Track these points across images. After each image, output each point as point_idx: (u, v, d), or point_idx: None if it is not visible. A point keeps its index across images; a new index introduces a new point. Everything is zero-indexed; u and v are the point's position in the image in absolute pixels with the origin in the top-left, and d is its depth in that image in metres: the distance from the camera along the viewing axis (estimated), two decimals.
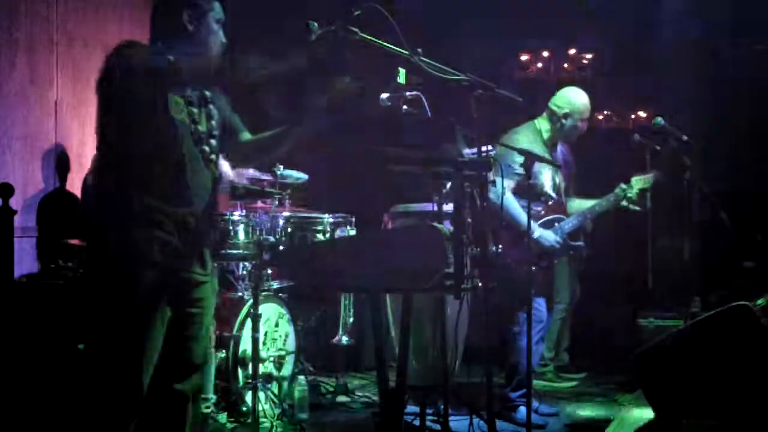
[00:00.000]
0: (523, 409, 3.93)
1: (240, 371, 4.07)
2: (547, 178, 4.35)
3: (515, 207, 4.12)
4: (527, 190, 3.91)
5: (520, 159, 3.74)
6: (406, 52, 2.88)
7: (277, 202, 4.47)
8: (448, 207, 3.25)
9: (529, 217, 3.57)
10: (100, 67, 2.47)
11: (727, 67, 5.97)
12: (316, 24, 2.73)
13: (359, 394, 4.83)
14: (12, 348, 3.51)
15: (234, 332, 4.09)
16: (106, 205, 2.51)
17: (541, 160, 4.04)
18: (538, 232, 4.21)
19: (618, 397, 4.79)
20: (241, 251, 4.17)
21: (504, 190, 3.97)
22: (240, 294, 4.40)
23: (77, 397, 3.37)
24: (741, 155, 5.87)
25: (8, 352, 3.50)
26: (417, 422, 3.87)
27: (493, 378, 3.44)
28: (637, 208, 4.44)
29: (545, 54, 6.97)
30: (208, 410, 3.84)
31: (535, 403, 4.28)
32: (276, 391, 4.14)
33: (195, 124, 2.58)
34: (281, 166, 4.46)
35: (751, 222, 5.17)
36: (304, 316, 4.88)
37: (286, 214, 4.33)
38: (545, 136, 4.38)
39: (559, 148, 4.50)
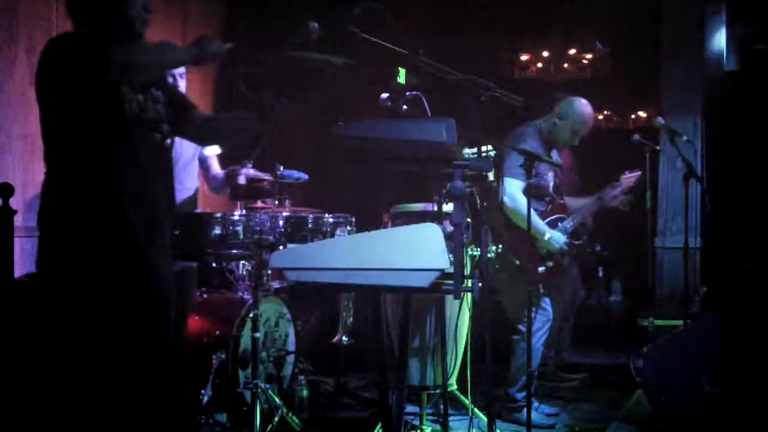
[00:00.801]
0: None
1: (240, 371, 4.07)
2: (549, 177, 4.37)
3: (525, 208, 4.14)
4: (534, 191, 3.95)
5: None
6: (406, 52, 2.88)
7: (277, 202, 4.47)
8: (448, 207, 3.25)
9: (529, 218, 3.57)
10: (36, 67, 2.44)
11: (726, 67, 5.97)
12: (315, 23, 2.73)
13: (359, 394, 4.83)
14: (12, 348, 3.51)
15: (234, 332, 4.08)
16: (64, 203, 2.47)
17: (543, 160, 4.06)
18: (548, 233, 4.24)
19: (618, 398, 4.78)
20: (241, 251, 4.17)
21: (514, 193, 3.99)
22: (240, 294, 4.40)
23: (76, 397, 3.37)
24: (741, 155, 5.87)
25: (8, 352, 3.50)
26: (417, 422, 3.88)
27: (493, 378, 3.43)
28: (627, 208, 4.54)
29: (545, 54, 6.97)
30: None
31: (535, 403, 4.30)
32: (276, 391, 4.14)
33: (143, 112, 2.52)
34: (281, 166, 4.46)
35: (752, 222, 5.17)
36: (304, 316, 4.87)
37: (286, 214, 4.33)
38: (544, 136, 4.40)
39: (554, 152, 4.52)
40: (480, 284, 2.97)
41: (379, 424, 3.61)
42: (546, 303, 4.32)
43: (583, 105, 4.41)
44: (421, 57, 2.93)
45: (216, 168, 4.65)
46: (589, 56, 6.90)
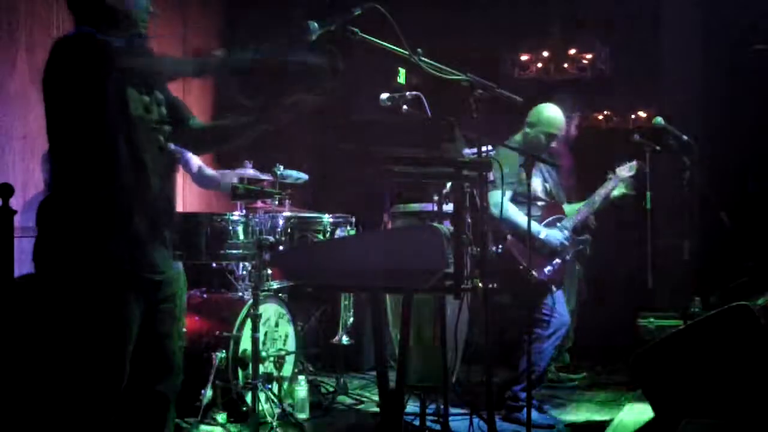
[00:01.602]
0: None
1: (240, 371, 4.07)
2: (537, 182, 4.39)
3: (516, 213, 4.18)
4: (519, 196, 4.02)
5: (512, 166, 3.91)
6: (406, 52, 2.88)
7: (277, 202, 4.47)
8: (448, 207, 3.26)
9: (530, 221, 3.58)
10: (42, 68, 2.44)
11: (727, 67, 5.96)
12: (315, 23, 2.73)
13: (359, 394, 4.83)
14: (12, 348, 3.51)
15: (234, 332, 4.08)
16: (67, 202, 2.46)
17: (542, 160, 4.09)
18: (544, 232, 4.27)
19: (618, 397, 4.79)
20: (241, 251, 4.17)
21: (503, 201, 4.02)
22: (240, 294, 4.40)
23: (75, 397, 3.37)
24: (741, 155, 5.86)
25: (8, 352, 3.50)
26: (417, 422, 3.87)
27: (494, 378, 3.43)
28: (632, 192, 4.59)
29: (545, 54, 6.97)
30: None
31: (535, 402, 4.30)
32: (276, 391, 4.14)
33: (148, 114, 2.52)
34: (281, 166, 4.46)
35: (751, 222, 5.17)
36: (304, 316, 4.88)
37: (286, 214, 4.33)
38: (522, 148, 4.42)
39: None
40: (480, 284, 2.97)
41: (379, 424, 3.61)
42: (561, 305, 4.32)
43: (548, 109, 4.45)
44: (421, 57, 2.93)
45: (197, 162, 4.64)
46: (589, 56, 6.89)
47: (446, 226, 2.79)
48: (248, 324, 3.96)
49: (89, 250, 2.41)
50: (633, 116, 6.90)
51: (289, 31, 2.73)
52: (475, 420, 3.64)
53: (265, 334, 4.20)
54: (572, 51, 6.93)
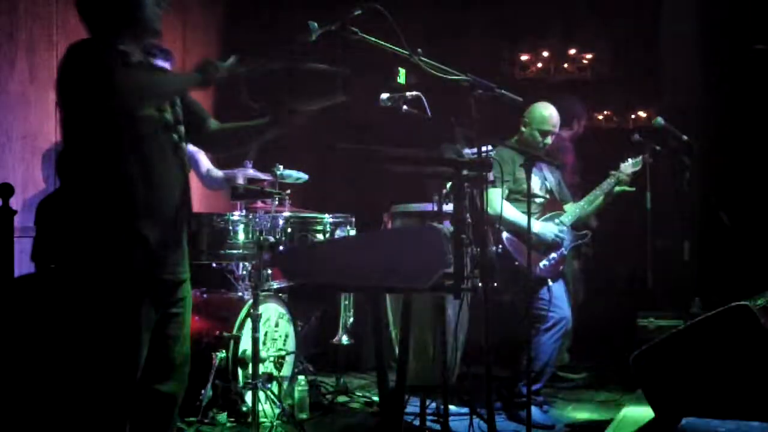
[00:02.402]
0: (533, 408, 3.96)
1: (240, 371, 4.07)
2: (535, 180, 4.41)
3: (511, 211, 4.23)
4: (513, 194, 4.05)
5: (506, 165, 3.97)
6: (406, 52, 2.88)
7: (277, 202, 4.47)
8: (448, 207, 3.25)
9: (529, 219, 3.59)
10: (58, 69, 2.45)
11: (727, 67, 5.96)
12: (315, 24, 2.73)
13: (359, 394, 4.83)
14: (12, 348, 3.51)
15: (234, 332, 4.08)
16: (79, 205, 2.46)
17: (542, 159, 4.10)
18: (538, 225, 4.30)
19: (618, 398, 4.79)
20: (241, 251, 4.17)
21: (501, 199, 4.04)
22: (240, 294, 4.40)
23: (75, 396, 3.37)
24: (741, 155, 5.86)
25: (8, 352, 3.50)
26: (417, 422, 3.87)
27: (494, 377, 3.43)
28: (632, 188, 4.59)
29: (545, 54, 6.97)
30: None
31: (545, 406, 4.32)
32: (276, 391, 4.14)
33: (162, 113, 2.53)
34: (281, 166, 4.46)
35: (751, 222, 5.17)
36: (304, 316, 4.87)
37: (286, 214, 4.33)
38: (519, 148, 4.44)
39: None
40: (480, 284, 2.97)
41: (379, 424, 3.61)
42: (559, 300, 4.33)
43: (541, 107, 4.49)
44: (421, 57, 2.93)
45: (206, 163, 4.65)
46: (589, 56, 6.90)
47: (446, 226, 2.79)
48: (248, 324, 3.96)
49: (102, 251, 2.41)
50: (633, 116, 6.90)
51: (289, 31, 2.74)
52: (475, 420, 3.64)
53: (265, 334, 4.20)
54: (572, 51, 6.94)
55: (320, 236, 4.23)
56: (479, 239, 2.99)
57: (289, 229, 4.21)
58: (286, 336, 4.41)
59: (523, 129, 4.50)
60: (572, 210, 4.52)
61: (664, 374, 3.41)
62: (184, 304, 2.62)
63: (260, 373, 3.89)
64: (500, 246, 4.19)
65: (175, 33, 5.56)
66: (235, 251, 4.15)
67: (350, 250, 2.78)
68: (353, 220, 4.38)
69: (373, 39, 2.85)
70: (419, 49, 2.92)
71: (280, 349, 4.32)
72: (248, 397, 3.89)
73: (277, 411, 3.99)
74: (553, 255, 4.37)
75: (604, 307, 5.86)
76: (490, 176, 3.35)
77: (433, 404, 4.08)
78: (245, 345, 4.05)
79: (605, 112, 6.95)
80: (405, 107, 3.34)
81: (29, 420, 3.46)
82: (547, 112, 4.47)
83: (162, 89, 2.56)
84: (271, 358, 4.23)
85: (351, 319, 4.71)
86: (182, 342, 2.63)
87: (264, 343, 4.14)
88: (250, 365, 3.84)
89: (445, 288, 2.72)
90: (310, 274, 2.86)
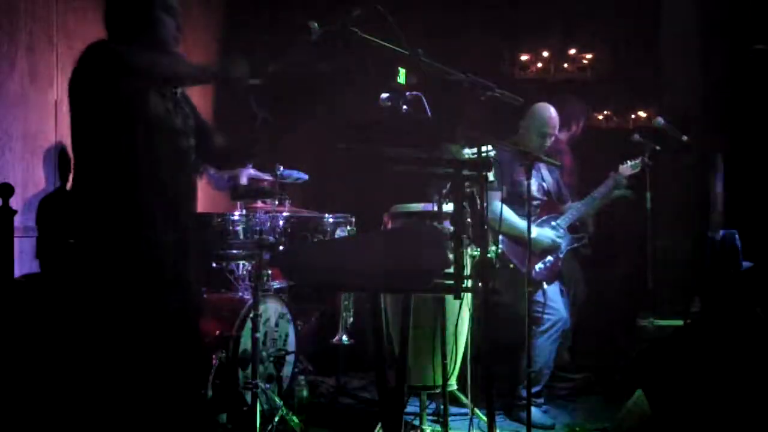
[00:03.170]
0: (533, 409, 3.97)
1: (240, 371, 4.07)
2: (532, 182, 4.42)
3: (508, 214, 4.21)
4: (509, 197, 4.15)
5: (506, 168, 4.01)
6: (406, 52, 2.88)
7: (277, 202, 4.47)
8: (448, 207, 3.26)
9: (529, 220, 3.59)
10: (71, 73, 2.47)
11: (727, 67, 5.96)
12: (316, 24, 2.73)
13: (359, 394, 4.83)
14: (12, 348, 3.51)
15: (234, 332, 4.08)
16: (93, 211, 2.46)
17: (542, 159, 4.10)
18: (534, 231, 4.30)
19: (618, 397, 4.78)
20: (241, 251, 4.17)
21: (497, 202, 4.04)
22: (240, 294, 4.40)
23: (76, 397, 3.37)
24: (741, 155, 5.86)
25: (8, 352, 3.50)
26: (417, 422, 3.88)
27: (494, 377, 3.44)
28: (629, 191, 4.60)
29: (545, 54, 6.97)
30: None
31: (544, 407, 4.32)
32: (276, 391, 4.14)
33: (170, 116, 2.55)
34: (281, 166, 4.46)
35: (751, 222, 5.16)
36: (304, 316, 4.87)
37: (286, 214, 4.33)
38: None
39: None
40: (480, 284, 2.97)
41: (379, 424, 3.61)
42: (554, 302, 4.33)
43: (540, 108, 4.49)
44: (421, 57, 2.93)
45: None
46: (589, 56, 6.90)
47: (446, 226, 2.79)
48: (248, 324, 3.96)
49: (110, 252, 2.41)
50: (633, 116, 6.90)
51: (290, 31, 2.74)
52: (475, 420, 3.64)
53: (265, 334, 4.20)
54: (572, 51, 6.94)
55: (320, 236, 4.22)
56: (479, 239, 2.99)
57: (289, 229, 4.21)
58: (286, 336, 4.41)
59: (521, 131, 4.48)
60: (569, 212, 4.51)
61: (664, 374, 3.41)
62: (194, 305, 2.63)
63: (260, 373, 3.89)
64: (500, 246, 4.19)
65: None
66: (235, 251, 4.15)
67: (350, 250, 2.78)
68: (353, 220, 4.37)
69: (373, 39, 2.85)
70: (419, 49, 2.92)
71: (280, 349, 4.31)
72: (248, 397, 3.89)
73: (277, 411, 3.99)
74: (549, 258, 4.37)
75: (604, 307, 5.86)
76: (490, 176, 3.35)
77: (433, 404, 4.08)
78: (245, 345, 4.05)
79: (605, 112, 6.96)
80: (405, 107, 3.34)
81: (29, 420, 3.46)
82: (546, 114, 4.46)
83: (176, 69, 2.59)
84: (271, 358, 4.23)
85: (351, 319, 4.71)
86: (196, 340, 2.64)
87: (264, 343, 4.14)
88: (250, 365, 3.84)
89: (445, 288, 2.72)
90: (310, 274, 2.85)
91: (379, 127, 4.32)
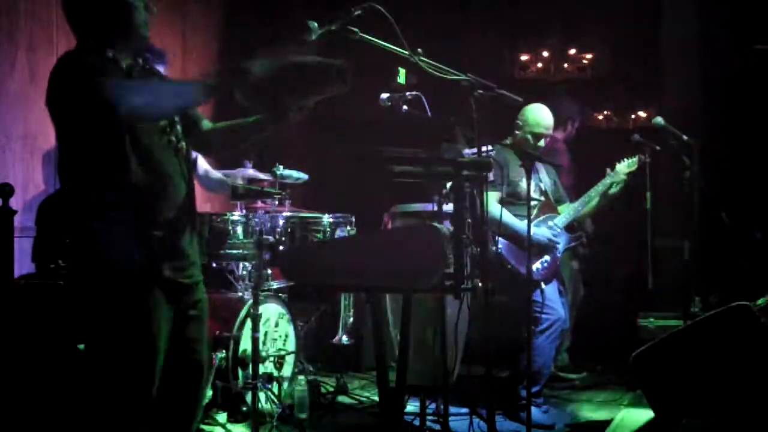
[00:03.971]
0: (533, 409, 3.97)
1: (240, 371, 4.07)
2: (532, 183, 4.43)
3: (505, 214, 4.22)
4: (507, 197, 4.17)
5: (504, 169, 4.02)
6: (406, 52, 2.88)
7: (277, 202, 4.47)
8: (448, 207, 3.26)
9: (529, 220, 3.59)
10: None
11: (727, 67, 5.96)
12: (315, 23, 2.73)
13: (359, 394, 4.83)
14: (12, 348, 3.51)
15: (234, 332, 4.08)
16: (85, 210, 2.44)
17: (542, 160, 4.11)
18: (532, 231, 4.30)
19: (618, 398, 4.79)
20: (241, 251, 4.17)
21: (496, 207, 4.05)
22: (240, 294, 4.40)
23: (77, 397, 3.37)
24: (741, 156, 5.86)
25: (8, 352, 3.50)
26: (417, 422, 3.87)
27: (494, 377, 3.44)
28: (624, 178, 4.54)
29: (545, 54, 6.97)
30: None
31: (544, 407, 4.31)
32: (276, 391, 4.14)
33: None
34: (281, 166, 4.46)
35: (750, 222, 5.17)
36: (304, 316, 4.87)
37: (286, 214, 4.33)
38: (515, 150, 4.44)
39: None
40: (480, 284, 2.97)
41: (379, 424, 3.61)
42: (552, 302, 4.33)
43: (534, 109, 4.46)
44: (421, 57, 2.93)
45: (204, 165, 4.64)
46: (589, 56, 6.90)
47: (446, 226, 2.79)
48: (248, 324, 3.96)
49: (108, 257, 2.39)
50: (633, 116, 6.90)
51: (290, 31, 2.73)
52: (475, 420, 3.64)
53: (265, 334, 4.19)
54: (572, 51, 6.94)
55: (320, 236, 4.22)
56: (479, 239, 2.99)
57: (289, 229, 4.21)
58: (286, 336, 4.41)
59: (517, 131, 4.48)
60: (566, 212, 4.50)
61: (664, 374, 3.41)
62: (202, 307, 2.62)
63: (260, 373, 3.89)
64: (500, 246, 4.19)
65: (175, 33, 5.56)
66: (235, 251, 4.14)
67: (350, 250, 2.78)
68: (353, 220, 4.37)
69: (373, 39, 2.85)
70: (419, 49, 2.92)
71: (280, 349, 4.31)
72: (248, 397, 3.89)
73: (277, 411, 3.99)
74: (547, 258, 4.36)
75: (604, 307, 5.86)
76: (490, 176, 3.35)
77: (433, 404, 4.08)
78: (245, 345, 4.05)
79: (605, 112, 6.96)
80: (405, 107, 3.34)
81: (29, 421, 3.46)
82: (540, 114, 4.45)
83: (161, 108, 2.45)
84: (271, 358, 4.23)
85: (351, 319, 4.71)
86: (203, 343, 2.62)
87: (264, 343, 4.14)
88: (250, 365, 3.84)
89: (445, 288, 2.72)
90: (310, 274, 2.85)
91: (379, 127, 4.33)
